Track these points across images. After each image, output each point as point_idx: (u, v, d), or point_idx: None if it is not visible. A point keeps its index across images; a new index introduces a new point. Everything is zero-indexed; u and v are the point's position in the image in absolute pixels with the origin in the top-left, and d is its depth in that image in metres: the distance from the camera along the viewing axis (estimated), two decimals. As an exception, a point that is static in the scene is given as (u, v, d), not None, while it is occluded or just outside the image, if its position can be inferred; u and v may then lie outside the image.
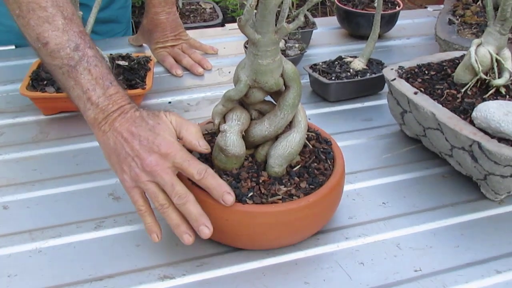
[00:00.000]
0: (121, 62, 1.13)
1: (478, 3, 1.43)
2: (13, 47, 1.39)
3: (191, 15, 2.69)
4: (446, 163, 0.96)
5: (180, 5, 2.66)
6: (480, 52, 0.93)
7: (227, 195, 0.70)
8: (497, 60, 0.93)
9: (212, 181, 0.71)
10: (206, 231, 0.71)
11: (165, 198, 0.72)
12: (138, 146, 0.71)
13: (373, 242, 0.81)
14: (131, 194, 0.74)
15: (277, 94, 0.77)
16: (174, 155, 0.71)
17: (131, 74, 1.11)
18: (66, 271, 0.75)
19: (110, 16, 1.54)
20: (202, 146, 0.74)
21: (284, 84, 0.75)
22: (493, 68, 0.93)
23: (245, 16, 0.65)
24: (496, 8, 0.91)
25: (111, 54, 1.17)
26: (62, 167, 0.96)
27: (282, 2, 0.68)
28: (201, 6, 2.82)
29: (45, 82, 1.07)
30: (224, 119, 0.77)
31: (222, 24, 2.33)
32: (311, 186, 0.76)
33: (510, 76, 0.93)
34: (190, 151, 0.75)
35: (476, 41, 0.94)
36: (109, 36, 1.51)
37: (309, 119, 1.09)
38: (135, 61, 1.16)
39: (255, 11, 0.66)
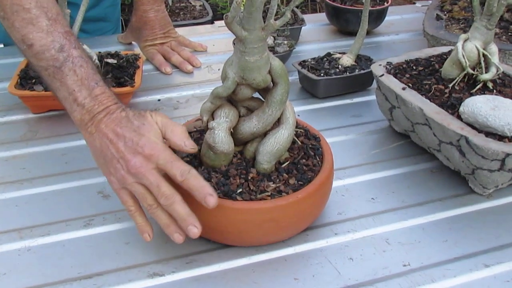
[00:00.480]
0: (110, 60, 1.13)
1: (466, -2, 1.43)
2: (2, 45, 1.38)
3: (181, 13, 2.69)
4: (435, 158, 0.97)
5: (170, 2, 2.66)
6: (467, 47, 0.93)
7: (209, 197, 0.69)
8: (484, 55, 0.93)
9: (194, 182, 0.70)
10: (195, 230, 0.70)
11: (153, 199, 0.71)
12: (123, 147, 0.71)
13: (362, 237, 0.82)
14: (120, 195, 0.74)
15: (265, 91, 0.77)
16: (157, 156, 0.70)
17: (119, 72, 1.11)
18: (55, 269, 0.75)
19: (99, 14, 1.53)
20: (188, 146, 0.74)
21: (272, 80, 0.75)
22: (480, 63, 0.94)
23: (231, 13, 0.65)
24: (482, 3, 0.92)
25: (99, 52, 1.17)
26: (51, 166, 0.96)
27: (270, -1, 0.68)
28: (191, 3, 2.81)
29: (33, 81, 1.07)
30: (212, 116, 0.78)
31: (212, 22, 2.32)
32: (299, 183, 0.76)
33: (497, 71, 0.94)
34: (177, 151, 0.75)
35: (463, 36, 0.94)
36: (99, 35, 1.50)
37: (298, 115, 1.09)
38: (124, 59, 1.16)
39: (242, 8, 0.66)
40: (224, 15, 0.66)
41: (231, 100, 0.78)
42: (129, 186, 0.71)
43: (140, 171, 0.70)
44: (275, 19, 0.69)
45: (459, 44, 0.94)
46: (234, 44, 0.72)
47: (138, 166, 0.70)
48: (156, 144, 0.71)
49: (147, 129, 0.72)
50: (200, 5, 2.78)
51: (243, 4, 0.66)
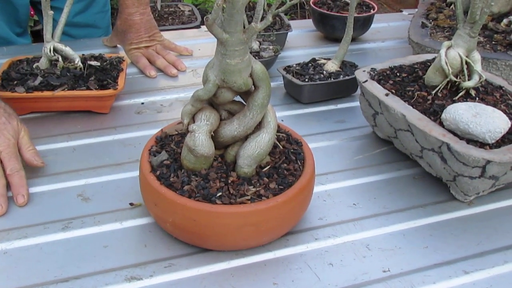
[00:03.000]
0: (93, 63, 1.12)
1: (451, 6, 1.44)
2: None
3: (169, 17, 2.68)
4: (417, 164, 0.97)
5: (159, 7, 2.65)
6: (450, 54, 0.93)
7: (20, 196, 0.85)
8: (466, 63, 0.94)
9: (16, 180, 0.86)
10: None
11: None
12: None
13: (342, 243, 0.81)
14: None
15: (246, 94, 0.77)
16: (2, 149, 0.88)
17: (103, 75, 1.10)
18: (32, 273, 0.74)
19: (87, 20, 1.52)
20: (38, 160, 0.92)
21: (254, 84, 0.75)
22: (463, 70, 0.94)
23: (212, 15, 0.65)
24: (466, 11, 0.92)
25: (83, 55, 1.16)
26: (30, 168, 0.94)
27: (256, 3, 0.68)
28: (180, 8, 2.81)
29: (15, 82, 1.06)
30: (193, 119, 0.77)
31: (199, 27, 2.32)
32: (280, 187, 0.76)
33: (480, 79, 0.94)
34: None
35: (446, 43, 0.95)
36: (87, 41, 1.50)
37: (282, 120, 1.09)
38: (108, 61, 1.15)
39: (223, 8, 0.66)
40: (204, 17, 0.66)
41: (212, 103, 0.78)
42: None
43: None
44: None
45: (442, 51, 0.94)
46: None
47: None
48: (8, 140, 0.89)
49: (7, 128, 0.90)
50: (189, 10, 2.77)
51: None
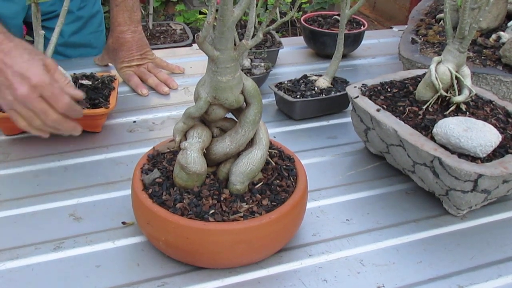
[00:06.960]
0: (85, 82, 1.12)
1: (440, 23, 1.45)
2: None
3: (161, 36, 2.69)
4: (409, 179, 0.97)
5: (151, 26, 2.66)
6: (440, 69, 0.94)
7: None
8: (456, 78, 0.94)
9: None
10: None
11: (41, 122, 0.87)
12: (11, 76, 0.83)
13: (336, 259, 0.81)
14: (10, 114, 0.88)
15: (238, 111, 0.77)
16: (42, 88, 0.84)
17: (94, 93, 1.10)
18: (23, 294, 0.73)
19: (81, 40, 1.52)
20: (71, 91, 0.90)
21: (245, 101, 0.75)
22: (453, 85, 0.95)
23: (203, 32, 0.65)
24: (455, 27, 0.93)
25: (74, 74, 1.16)
26: (22, 188, 0.94)
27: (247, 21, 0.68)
28: (171, 27, 2.82)
29: (6, 102, 1.05)
30: (185, 136, 0.77)
31: (191, 45, 2.33)
32: (273, 203, 0.76)
33: (470, 93, 0.95)
34: None
35: (436, 58, 0.95)
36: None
37: (274, 137, 1.09)
38: (99, 80, 1.15)
39: (214, 26, 0.66)
40: (195, 35, 0.66)
41: (204, 120, 0.78)
42: (18, 109, 0.85)
43: (27, 99, 0.83)
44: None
45: (432, 67, 0.95)
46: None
47: (24, 95, 0.83)
48: (43, 76, 0.84)
49: (35, 63, 0.85)
50: (180, 29, 2.79)
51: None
